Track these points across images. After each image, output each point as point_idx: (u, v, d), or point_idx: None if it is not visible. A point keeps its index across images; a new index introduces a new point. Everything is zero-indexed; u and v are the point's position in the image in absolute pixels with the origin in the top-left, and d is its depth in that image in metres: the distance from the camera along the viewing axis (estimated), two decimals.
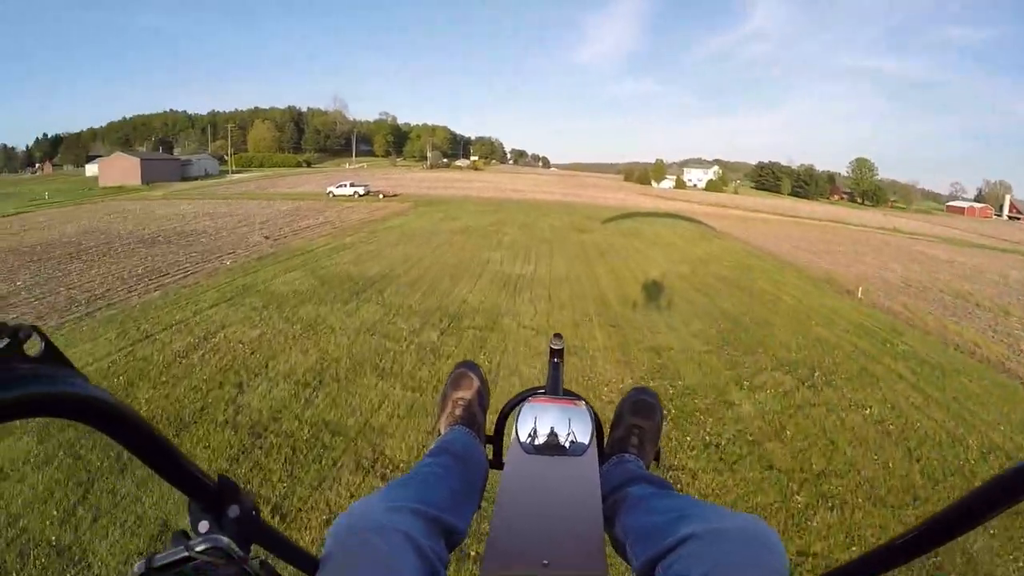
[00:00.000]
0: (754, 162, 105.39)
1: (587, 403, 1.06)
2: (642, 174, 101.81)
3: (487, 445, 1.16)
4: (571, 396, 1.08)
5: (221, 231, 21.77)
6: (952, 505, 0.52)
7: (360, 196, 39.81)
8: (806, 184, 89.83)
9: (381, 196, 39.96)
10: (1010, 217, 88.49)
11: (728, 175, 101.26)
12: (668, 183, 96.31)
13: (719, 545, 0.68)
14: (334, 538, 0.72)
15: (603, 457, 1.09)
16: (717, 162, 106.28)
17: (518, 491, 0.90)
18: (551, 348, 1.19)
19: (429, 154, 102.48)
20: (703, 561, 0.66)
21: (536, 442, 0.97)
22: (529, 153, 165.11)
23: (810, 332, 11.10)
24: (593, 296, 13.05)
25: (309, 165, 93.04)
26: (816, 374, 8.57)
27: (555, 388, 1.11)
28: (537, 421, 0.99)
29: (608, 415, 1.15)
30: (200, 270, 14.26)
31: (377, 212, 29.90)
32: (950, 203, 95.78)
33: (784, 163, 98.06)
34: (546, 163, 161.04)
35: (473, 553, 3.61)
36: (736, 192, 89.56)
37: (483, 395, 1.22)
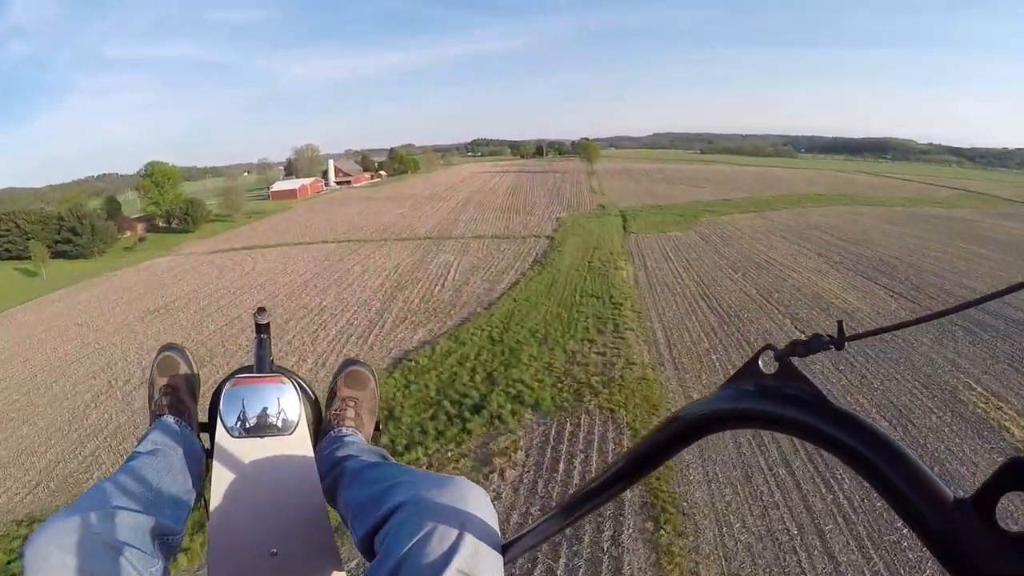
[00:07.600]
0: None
1: (298, 378, 0.97)
2: None
3: (202, 433, 1.02)
4: (279, 373, 0.97)
5: None
6: (639, 444, 0.54)
7: None
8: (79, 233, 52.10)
9: None
10: (339, 183, 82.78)
11: None
12: None
13: (427, 511, 0.66)
14: (30, 557, 0.63)
15: (322, 433, 1.03)
16: None
17: (232, 478, 0.82)
18: (256, 323, 1.03)
19: None
20: (412, 529, 0.64)
21: (246, 425, 0.88)
22: None
23: None
24: None
25: None
26: None
27: (262, 366, 0.99)
28: (245, 402, 0.89)
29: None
30: None
31: None
32: (274, 188, 73.92)
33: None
34: None
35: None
36: None
37: (191, 379, 1.09)
